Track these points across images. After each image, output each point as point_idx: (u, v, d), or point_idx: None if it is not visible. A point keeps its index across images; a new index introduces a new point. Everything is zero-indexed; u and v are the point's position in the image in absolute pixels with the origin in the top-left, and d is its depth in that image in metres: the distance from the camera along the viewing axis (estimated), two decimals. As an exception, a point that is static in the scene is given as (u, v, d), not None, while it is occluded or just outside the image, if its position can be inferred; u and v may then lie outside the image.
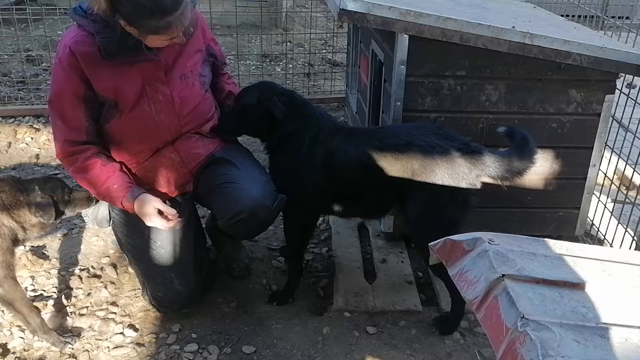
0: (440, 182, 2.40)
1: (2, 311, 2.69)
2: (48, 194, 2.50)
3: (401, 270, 2.94)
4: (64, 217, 2.63)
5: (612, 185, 3.35)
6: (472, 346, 2.51)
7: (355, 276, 2.89)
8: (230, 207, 2.49)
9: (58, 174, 4.01)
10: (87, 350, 2.49)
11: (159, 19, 2.15)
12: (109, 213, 2.78)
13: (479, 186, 2.45)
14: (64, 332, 2.59)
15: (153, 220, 2.41)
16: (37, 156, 4.26)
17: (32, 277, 2.93)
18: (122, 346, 2.52)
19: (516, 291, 1.06)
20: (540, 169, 2.96)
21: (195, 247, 2.71)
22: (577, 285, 1.20)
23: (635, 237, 3.07)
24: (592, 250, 1.38)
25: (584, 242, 3.19)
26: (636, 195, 3.14)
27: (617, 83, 2.85)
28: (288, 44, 6.95)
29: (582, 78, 2.79)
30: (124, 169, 2.51)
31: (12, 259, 2.43)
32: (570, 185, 3.03)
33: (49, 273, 2.97)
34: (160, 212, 2.41)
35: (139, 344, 2.53)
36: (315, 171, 2.55)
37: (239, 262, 2.97)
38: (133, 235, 2.66)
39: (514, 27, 2.63)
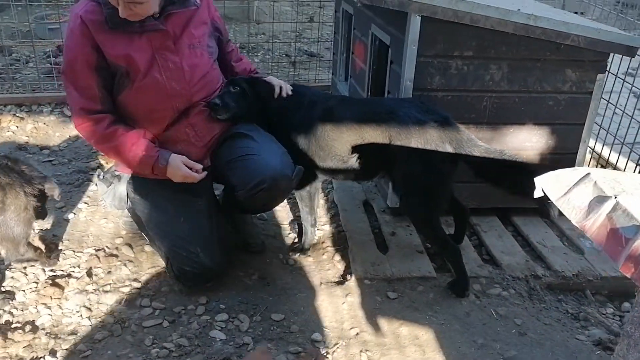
0: (414, 149, 2.57)
1: (24, 291, 2.69)
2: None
3: (411, 242, 3.09)
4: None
5: (593, 161, 3.61)
6: (487, 306, 2.68)
7: (369, 248, 3.03)
8: (252, 178, 2.57)
9: (52, 160, 3.98)
10: (118, 323, 2.52)
11: None
12: (127, 194, 2.81)
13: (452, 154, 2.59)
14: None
15: (184, 173, 2.54)
16: (26, 144, 4.20)
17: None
18: (153, 318, 2.56)
19: (631, 206, 1.19)
20: (537, 144, 3.18)
21: (217, 221, 2.78)
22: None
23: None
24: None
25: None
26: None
27: (607, 64, 3.08)
28: (262, 35, 7.03)
29: (577, 58, 3.01)
30: (148, 134, 2.59)
31: (31, 228, 2.70)
32: (563, 159, 3.24)
33: (64, 254, 2.96)
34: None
35: (169, 316, 2.58)
36: (315, 126, 2.72)
37: (254, 237, 3.06)
38: (156, 213, 2.71)
39: (519, 9, 2.82)
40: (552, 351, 2.43)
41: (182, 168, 2.55)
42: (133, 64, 2.48)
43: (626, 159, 3.45)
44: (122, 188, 2.80)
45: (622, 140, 3.17)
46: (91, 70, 2.47)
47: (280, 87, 2.82)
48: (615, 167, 3.79)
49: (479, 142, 2.60)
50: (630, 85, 3.38)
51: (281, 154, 2.64)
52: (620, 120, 3.48)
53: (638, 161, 2.98)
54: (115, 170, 2.86)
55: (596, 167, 3.82)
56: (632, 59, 3.09)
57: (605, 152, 3.96)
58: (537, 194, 1.40)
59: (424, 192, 2.61)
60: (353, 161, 2.71)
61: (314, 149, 2.73)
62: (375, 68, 3.62)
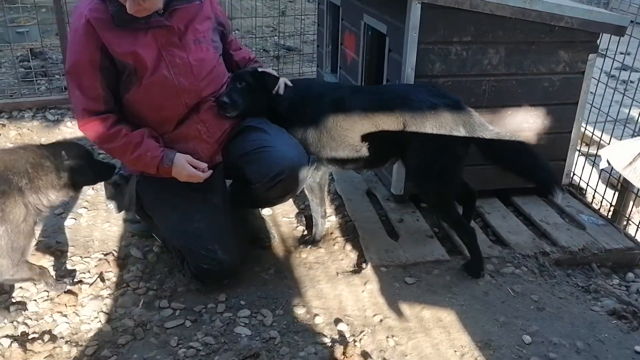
0: (429, 133, 2.61)
1: (36, 300, 2.63)
2: (76, 157, 2.51)
3: (419, 227, 3.14)
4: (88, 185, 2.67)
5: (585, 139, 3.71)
6: (503, 285, 2.74)
7: (380, 236, 3.06)
8: (270, 169, 2.57)
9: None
10: (140, 326, 2.48)
11: None
12: (137, 195, 2.77)
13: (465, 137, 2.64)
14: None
15: (189, 172, 2.51)
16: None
17: (54, 267, 2.86)
18: (174, 318, 2.53)
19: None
20: (534, 125, 3.26)
21: (232, 217, 2.77)
22: None
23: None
24: None
25: (569, 191, 3.53)
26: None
27: (597, 44, 3.17)
28: (237, 31, 6.97)
29: (570, 40, 3.10)
30: (152, 133, 2.56)
31: (30, 243, 2.47)
32: (559, 139, 3.34)
33: (72, 260, 2.90)
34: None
35: (190, 315, 2.55)
36: (326, 118, 2.72)
37: (265, 232, 3.07)
38: (170, 212, 2.68)
39: (515, -7, 2.88)
40: (571, 323, 2.51)
41: (187, 167, 2.53)
42: (140, 61, 2.44)
43: (611, 137, 3.56)
44: (131, 189, 2.75)
45: (614, 118, 3.27)
46: (95, 70, 2.42)
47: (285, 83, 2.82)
48: (599, 144, 3.91)
49: (489, 126, 2.66)
50: (625, 64, 3.48)
51: (295, 144, 2.65)
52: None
53: (633, 135, 3.08)
54: (122, 172, 2.81)
55: (587, 145, 3.94)
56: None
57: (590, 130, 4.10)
58: (602, 164, 1.44)
59: (440, 175, 2.66)
60: (366, 149, 2.72)
61: (326, 140, 2.74)
62: (368, 58, 3.64)
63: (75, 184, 2.54)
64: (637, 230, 3.18)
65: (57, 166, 2.44)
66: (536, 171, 2.70)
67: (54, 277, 2.70)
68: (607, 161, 1.43)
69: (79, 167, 2.50)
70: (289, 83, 2.81)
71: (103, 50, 2.40)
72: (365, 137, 2.69)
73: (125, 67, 2.45)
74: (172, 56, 2.49)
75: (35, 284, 2.69)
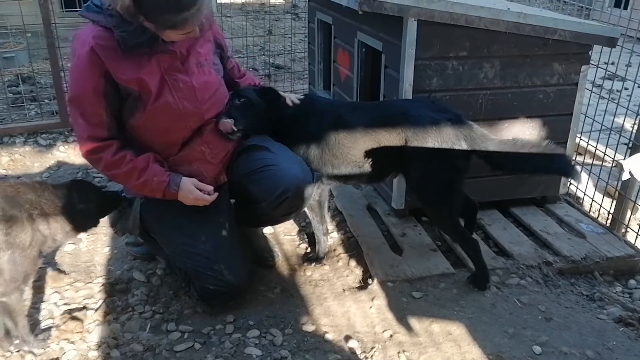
0: (432, 148, 2.63)
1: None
2: (86, 201, 2.52)
3: (422, 241, 3.15)
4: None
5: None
6: (510, 296, 2.76)
7: (384, 251, 3.06)
8: (275, 187, 2.57)
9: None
10: (149, 350, 2.45)
11: (176, 14, 2.22)
12: (141, 218, 2.75)
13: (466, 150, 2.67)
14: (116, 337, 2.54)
15: (195, 196, 2.50)
16: (5, 177, 4.03)
17: (58, 292, 2.82)
18: (183, 341, 2.51)
19: None
20: (530, 136, 3.30)
21: (238, 237, 2.76)
22: None
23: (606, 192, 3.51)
24: None
25: (567, 201, 3.57)
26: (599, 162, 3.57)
27: (589, 55, 3.23)
28: (225, 51, 6.99)
29: (563, 52, 3.15)
30: (157, 158, 2.54)
31: (33, 271, 2.42)
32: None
33: (75, 286, 2.87)
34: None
35: (199, 338, 2.53)
36: (327, 136, 2.73)
37: (269, 251, 3.06)
38: (175, 233, 2.66)
39: (509, 8, 2.93)
40: (579, 333, 2.53)
41: (193, 191, 2.52)
42: (145, 87, 2.42)
43: (606, 146, 3.62)
44: (135, 212, 2.73)
45: (609, 127, 3.33)
46: (99, 97, 2.39)
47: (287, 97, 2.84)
48: (594, 154, 3.97)
49: (490, 135, 2.69)
50: (610, 72, 3.54)
51: (299, 162, 2.66)
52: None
53: (628, 144, 3.13)
54: (124, 194, 2.79)
55: (581, 155, 4.00)
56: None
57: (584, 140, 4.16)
58: (625, 176, 1.47)
59: (443, 189, 2.67)
60: (368, 166, 2.73)
61: (327, 158, 2.75)
62: (363, 75, 3.68)
63: (80, 229, 2.56)
64: (636, 237, 3.22)
65: (69, 212, 2.43)
66: (548, 161, 2.70)
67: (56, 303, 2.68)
68: (630, 172, 1.45)
69: (89, 213, 2.52)
70: (295, 99, 2.82)
71: (107, 77, 2.37)
72: (368, 154, 2.71)
73: (130, 94, 2.43)
74: (175, 81, 2.49)
75: (39, 311, 2.65)
